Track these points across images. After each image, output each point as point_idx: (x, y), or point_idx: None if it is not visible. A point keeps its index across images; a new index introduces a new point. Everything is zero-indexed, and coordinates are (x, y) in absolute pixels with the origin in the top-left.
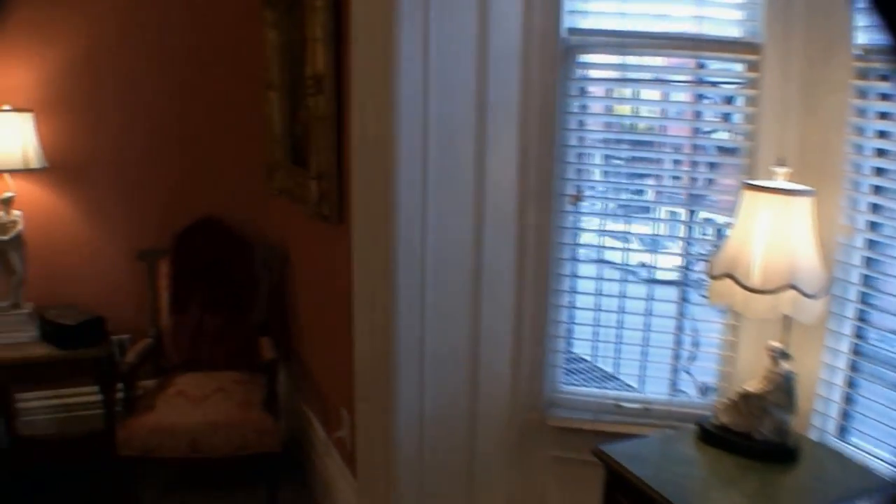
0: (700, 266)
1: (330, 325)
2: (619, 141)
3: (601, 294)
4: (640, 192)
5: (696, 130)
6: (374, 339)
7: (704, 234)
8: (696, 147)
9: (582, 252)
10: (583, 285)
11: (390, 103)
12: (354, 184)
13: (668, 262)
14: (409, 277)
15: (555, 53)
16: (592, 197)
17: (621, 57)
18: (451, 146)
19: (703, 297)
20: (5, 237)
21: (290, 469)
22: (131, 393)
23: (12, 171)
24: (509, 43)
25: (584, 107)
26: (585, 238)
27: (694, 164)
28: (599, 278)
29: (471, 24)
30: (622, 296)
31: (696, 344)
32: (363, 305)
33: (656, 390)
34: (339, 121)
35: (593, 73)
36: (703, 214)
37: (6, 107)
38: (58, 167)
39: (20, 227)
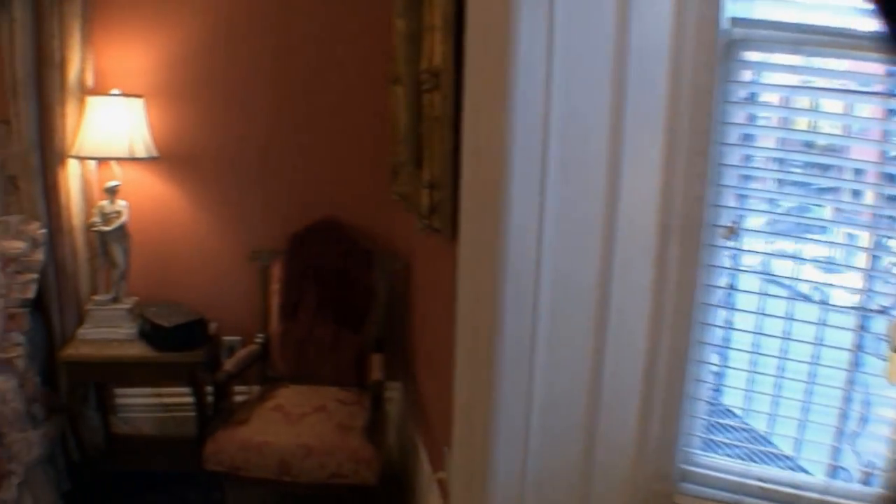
0: (880, 300)
1: (439, 350)
2: (787, 161)
3: (758, 332)
4: (809, 212)
5: (884, 153)
6: (473, 375)
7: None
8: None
9: (733, 288)
10: (737, 325)
11: (504, 105)
12: (463, 195)
13: (843, 298)
14: (519, 309)
15: (713, 49)
16: (753, 230)
17: (799, 57)
18: (577, 160)
19: (880, 360)
20: (108, 228)
21: None
22: (225, 403)
23: (119, 159)
24: (655, 35)
25: (751, 117)
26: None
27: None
28: (759, 311)
29: (607, 10)
30: (786, 337)
31: (865, 419)
32: (465, 336)
33: (814, 457)
34: (457, 123)
35: (761, 77)
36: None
37: (115, 91)
38: (168, 157)
39: (124, 218)
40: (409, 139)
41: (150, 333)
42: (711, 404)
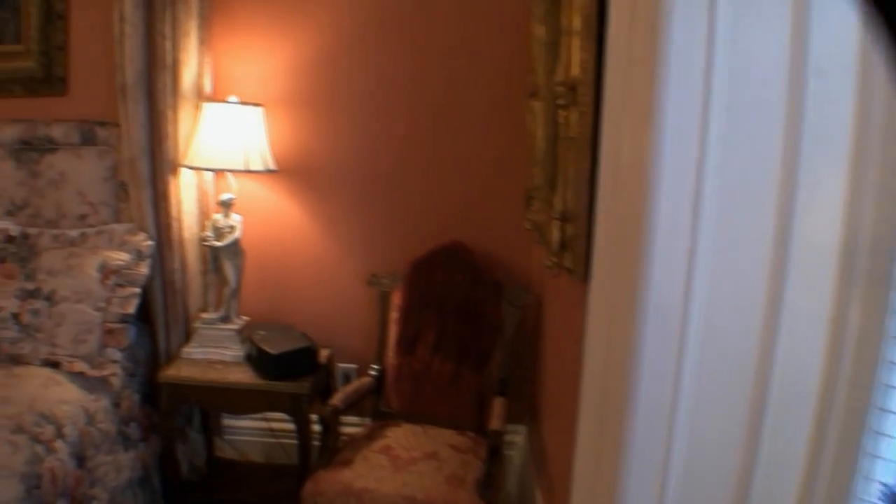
0: None
1: (564, 405)
2: None
3: None
4: None
5: None
6: (598, 445)
7: None
8: None
9: None
10: None
11: (651, 122)
12: (597, 230)
13: None
14: (658, 367)
15: None
16: None
17: None
18: (739, 190)
19: None
20: (221, 243)
21: None
22: (331, 439)
23: (234, 171)
24: (840, 41)
25: None
26: None
27: None
28: None
29: (781, 13)
30: None
31: None
32: (591, 398)
33: None
34: (596, 144)
35: None
36: None
37: (233, 98)
38: (286, 170)
39: (238, 233)
40: (545, 161)
41: (256, 358)
42: (886, 487)
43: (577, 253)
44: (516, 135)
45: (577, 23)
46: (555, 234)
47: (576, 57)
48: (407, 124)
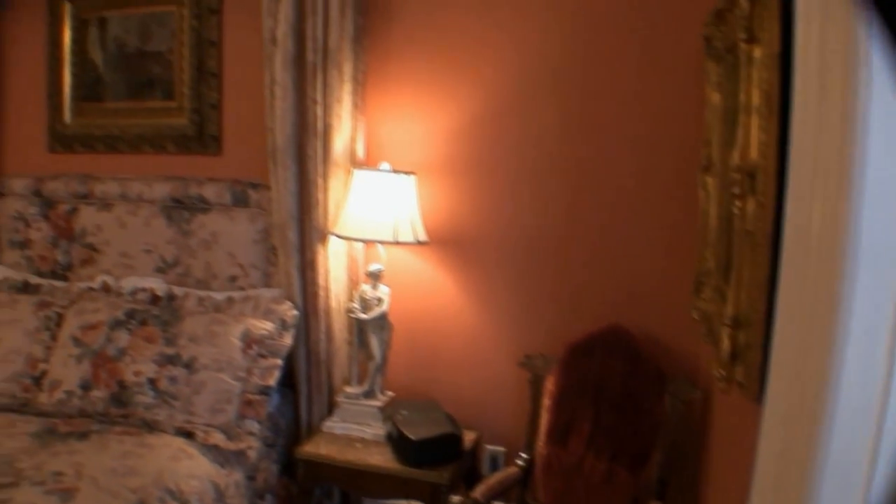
0: None
1: None
2: None
3: None
4: None
5: None
6: None
7: None
8: None
9: None
10: None
11: (847, 218)
12: (775, 343)
13: None
14: None
15: None
16: None
17: None
18: None
19: None
20: (367, 316)
21: None
22: None
23: (384, 242)
24: None
25: None
26: None
27: None
28: None
29: None
30: None
31: None
32: None
33: None
34: (777, 243)
35: None
36: None
37: (384, 165)
38: (437, 241)
39: (385, 306)
40: (718, 245)
41: (397, 440)
42: None
43: (749, 366)
44: (688, 210)
45: (756, 98)
46: (725, 343)
47: (755, 139)
48: (569, 194)
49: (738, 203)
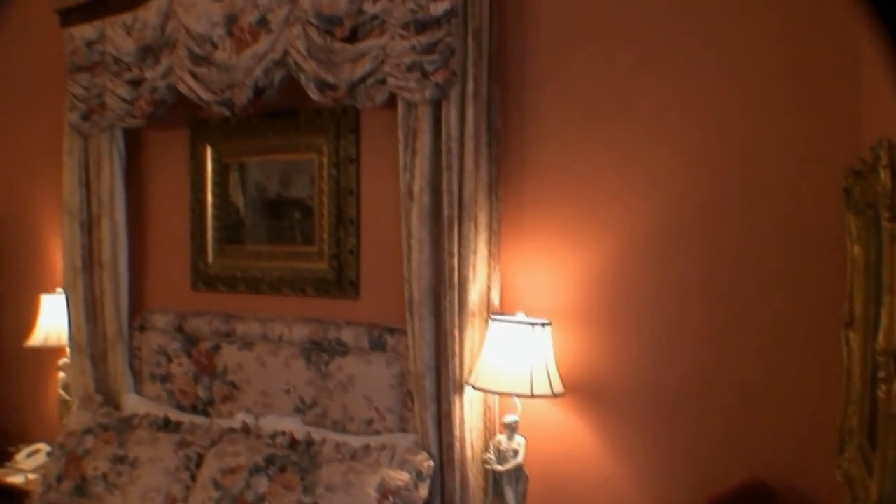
0: None
1: None
2: None
3: None
4: None
5: None
6: None
7: None
8: None
9: None
10: None
11: None
12: None
13: None
14: None
15: None
16: None
17: None
18: None
19: None
20: (502, 468)
21: None
22: None
23: (521, 395)
24: None
25: None
26: None
27: None
28: None
29: None
30: None
31: None
32: None
33: None
34: None
35: None
36: None
37: (520, 315)
38: (570, 389)
39: (521, 457)
40: (862, 403)
41: None
42: None
43: None
44: (828, 363)
45: None
46: None
47: None
48: (701, 342)
49: (883, 387)
